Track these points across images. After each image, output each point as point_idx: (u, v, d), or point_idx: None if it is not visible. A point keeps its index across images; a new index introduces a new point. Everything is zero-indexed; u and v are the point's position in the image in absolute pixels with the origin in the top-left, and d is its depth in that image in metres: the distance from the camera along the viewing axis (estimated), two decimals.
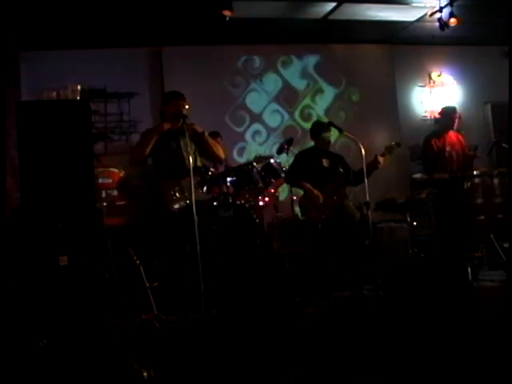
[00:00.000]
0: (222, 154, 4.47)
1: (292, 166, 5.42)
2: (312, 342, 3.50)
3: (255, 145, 7.51)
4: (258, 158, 5.64)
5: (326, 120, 6.84)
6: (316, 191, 5.12)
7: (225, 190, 5.09)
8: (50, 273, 4.32)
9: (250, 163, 4.84)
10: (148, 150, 4.17)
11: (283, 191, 6.62)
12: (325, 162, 5.29)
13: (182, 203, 4.11)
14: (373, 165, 5.01)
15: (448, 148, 5.81)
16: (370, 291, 4.61)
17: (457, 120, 5.92)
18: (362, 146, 4.59)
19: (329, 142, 5.40)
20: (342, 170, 5.25)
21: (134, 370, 2.87)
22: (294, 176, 5.31)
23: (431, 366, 2.97)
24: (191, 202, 3.86)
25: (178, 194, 4.13)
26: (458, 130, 6.06)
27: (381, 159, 5.05)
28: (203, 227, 4.02)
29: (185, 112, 4.21)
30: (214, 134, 6.32)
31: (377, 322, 3.83)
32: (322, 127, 5.40)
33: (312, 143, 5.60)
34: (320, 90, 7.81)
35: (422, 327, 3.56)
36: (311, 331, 3.71)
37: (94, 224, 4.70)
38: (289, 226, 5.87)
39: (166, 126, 4.23)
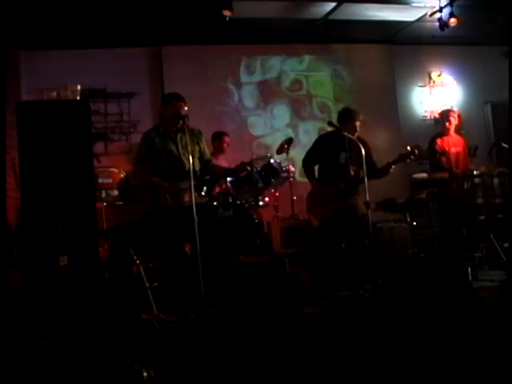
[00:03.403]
0: None
1: (310, 151, 5.26)
2: (312, 342, 3.50)
3: (254, 145, 7.49)
4: (255, 160, 5.61)
5: (326, 120, 6.83)
6: (319, 190, 5.07)
7: (224, 186, 5.10)
8: (50, 273, 4.33)
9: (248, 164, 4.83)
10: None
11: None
12: (342, 158, 4.99)
13: (180, 205, 4.13)
14: (383, 172, 4.95)
15: (453, 149, 5.87)
16: (370, 291, 4.61)
17: (453, 119, 5.94)
18: (361, 146, 4.58)
19: (354, 129, 4.98)
20: (353, 172, 4.93)
21: (134, 369, 2.87)
22: (308, 163, 5.22)
23: (431, 366, 2.98)
24: (190, 203, 3.87)
25: (173, 199, 4.16)
26: (459, 132, 6.09)
27: (392, 167, 4.94)
28: (203, 227, 4.02)
29: (184, 113, 4.23)
30: (222, 134, 6.31)
31: (377, 322, 3.83)
32: (353, 113, 5.09)
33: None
34: (320, 90, 7.81)
35: (422, 327, 3.56)
36: (311, 331, 3.71)
37: (94, 224, 4.70)
38: (289, 226, 5.88)
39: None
